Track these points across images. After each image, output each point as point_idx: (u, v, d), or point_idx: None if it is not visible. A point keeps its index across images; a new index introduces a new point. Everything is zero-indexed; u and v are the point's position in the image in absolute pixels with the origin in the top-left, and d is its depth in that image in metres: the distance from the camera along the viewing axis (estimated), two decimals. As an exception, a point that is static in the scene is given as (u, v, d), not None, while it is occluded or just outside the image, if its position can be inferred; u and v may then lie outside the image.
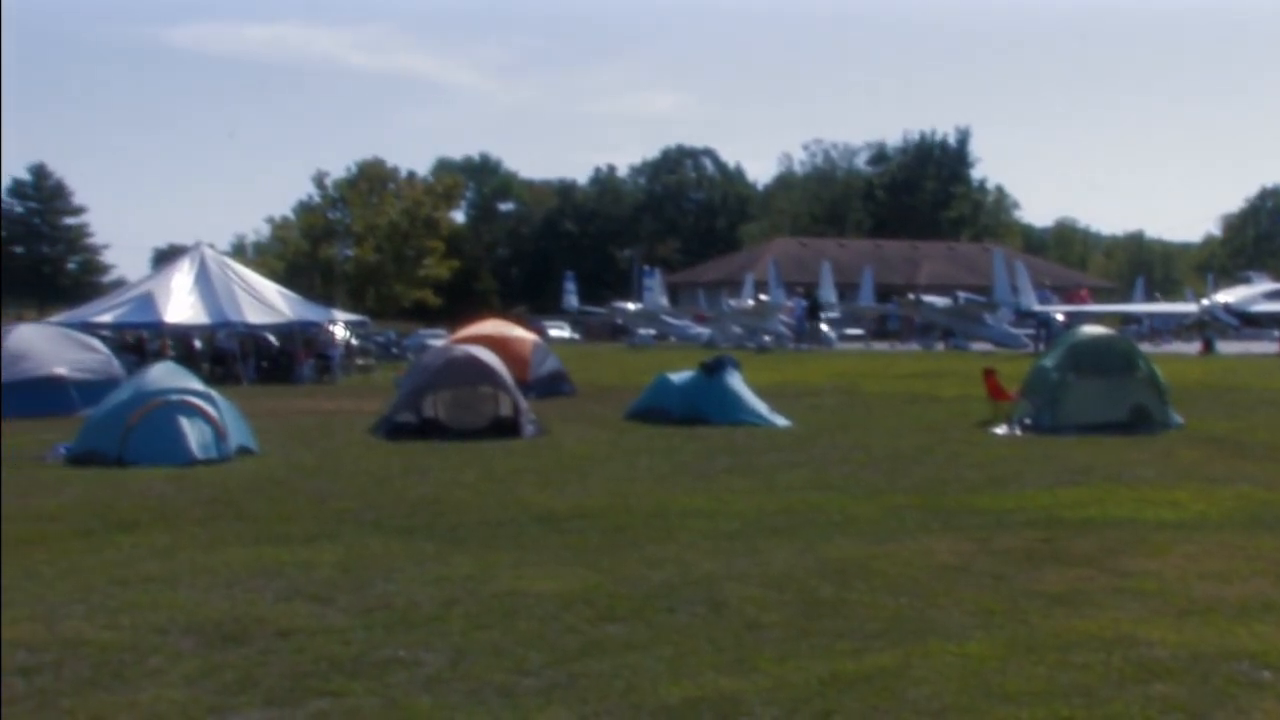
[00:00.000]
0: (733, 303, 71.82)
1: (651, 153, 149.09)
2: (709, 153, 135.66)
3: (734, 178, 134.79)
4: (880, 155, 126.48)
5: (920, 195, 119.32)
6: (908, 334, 73.30)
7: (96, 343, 29.48)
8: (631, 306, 78.31)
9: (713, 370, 22.76)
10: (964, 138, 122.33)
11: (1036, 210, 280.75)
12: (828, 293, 74.41)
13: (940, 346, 64.71)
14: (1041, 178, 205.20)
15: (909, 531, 11.38)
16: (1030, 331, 59.84)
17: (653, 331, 73.93)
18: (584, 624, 8.03)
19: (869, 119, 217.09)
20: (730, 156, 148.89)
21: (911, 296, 70.15)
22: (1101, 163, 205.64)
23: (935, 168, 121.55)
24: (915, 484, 14.60)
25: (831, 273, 76.76)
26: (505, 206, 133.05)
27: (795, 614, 8.27)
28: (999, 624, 8.00)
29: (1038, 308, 61.97)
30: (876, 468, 16.19)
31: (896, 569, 9.63)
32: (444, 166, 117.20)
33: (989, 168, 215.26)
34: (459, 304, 78.04)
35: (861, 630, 7.86)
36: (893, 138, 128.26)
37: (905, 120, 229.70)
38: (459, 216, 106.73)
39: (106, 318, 40.60)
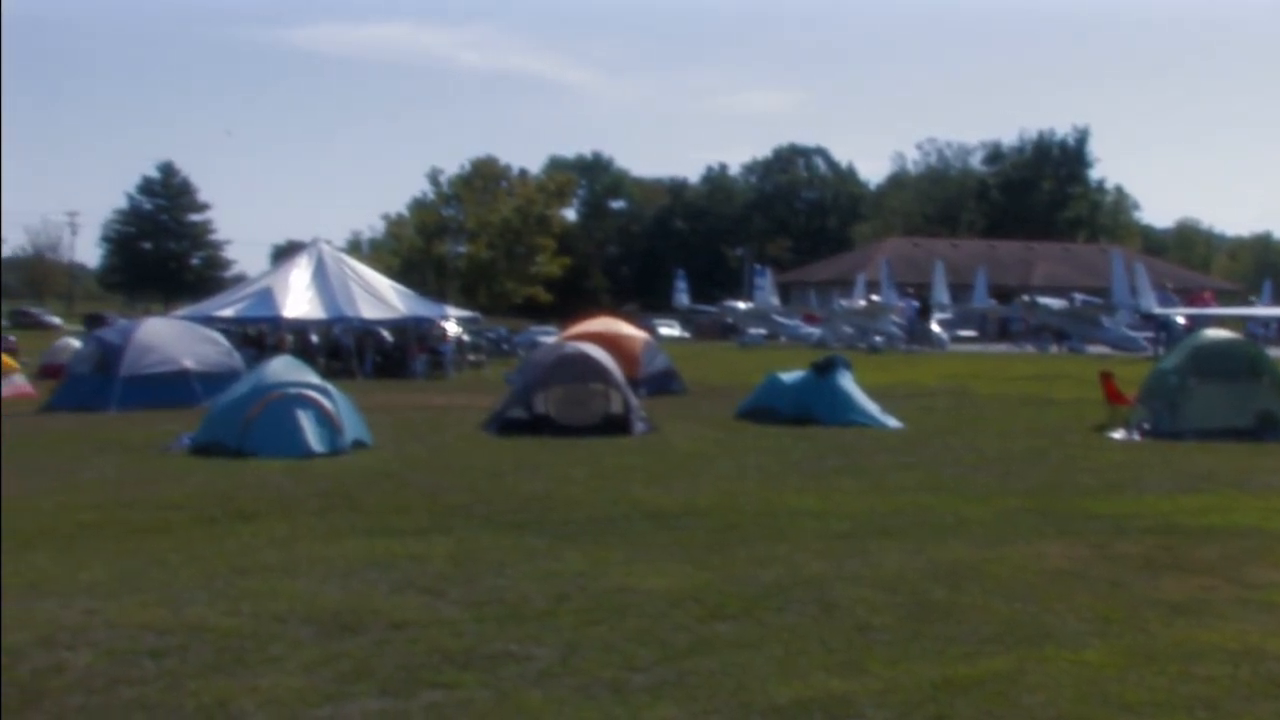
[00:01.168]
0: (844, 302, 71.23)
1: (763, 151, 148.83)
2: (821, 151, 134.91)
3: (846, 176, 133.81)
4: (995, 154, 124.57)
5: (1036, 195, 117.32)
6: (1021, 336, 72.05)
7: (218, 336, 30.20)
8: (742, 305, 78.05)
9: (824, 370, 22.62)
10: (1083, 137, 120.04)
11: (1157, 211, 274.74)
12: (940, 293, 73.43)
13: (1055, 349, 63.54)
14: (1163, 177, 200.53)
15: (1022, 535, 11.19)
16: (1149, 334, 58.46)
17: (763, 330, 73.61)
18: (693, 622, 8.02)
19: (984, 117, 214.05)
20: (842, 155, 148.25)
21: (1026, 298, 68.97)
22: (1226, 162, 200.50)
23: (1052, 167, 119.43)
24: (1029, 487, 14.36)
25: (944, 273, 75.72)
26: (616, 204, 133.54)
27: (906, 616, 8.19)
28: (1117, 632, 7.84)
29: (1157, 310, 60.50)
30: (989, 470, 15.96)
31: (1010, 573, 9.48)
32: (556, 164, 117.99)
33: (1108, 167, 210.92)
34: (570, 301, 78.64)
35: (974, 634, 7.75)
36: (1008, 137, 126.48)
37: (1021, 119, 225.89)
38: (570, 214, 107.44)
39: (228, 312, 41.55)
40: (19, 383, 32.56)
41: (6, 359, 34.28)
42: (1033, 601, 8.58)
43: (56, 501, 13.07)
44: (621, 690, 6.68)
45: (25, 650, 7.16)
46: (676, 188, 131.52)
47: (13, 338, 59.11)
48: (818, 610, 8.34)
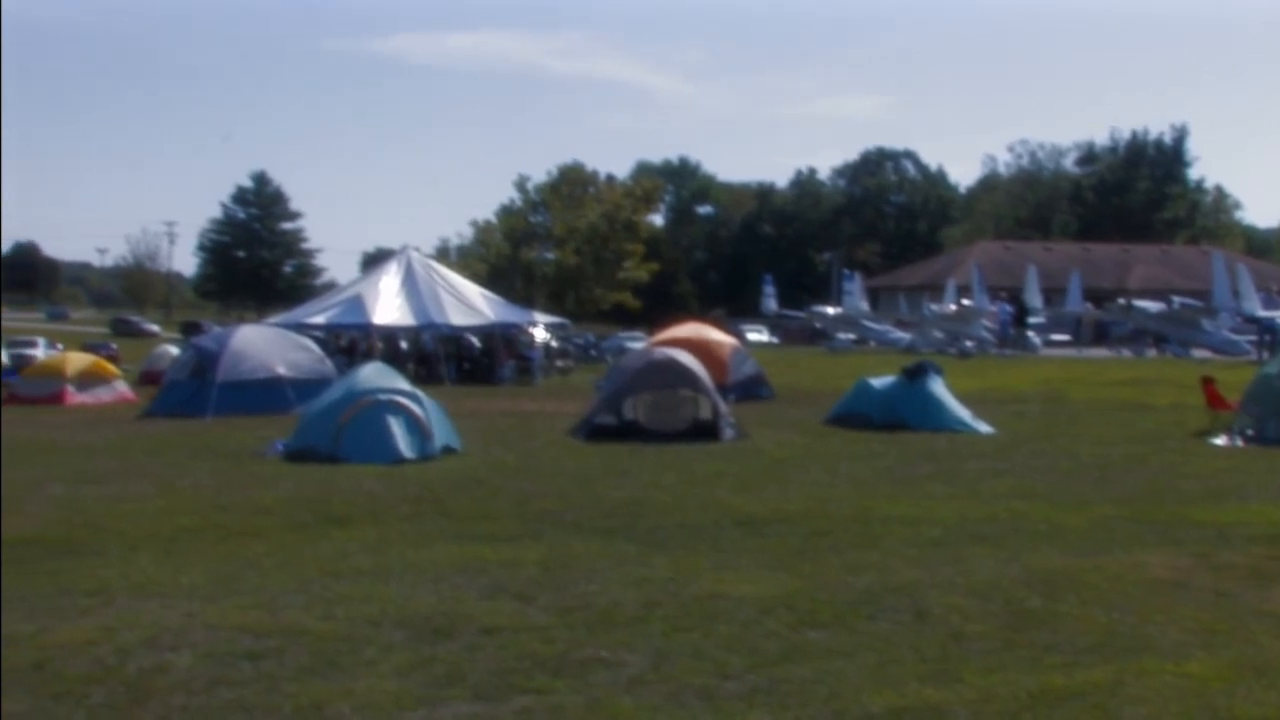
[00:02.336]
0: (934, 307, 70.49)
1: (851, 155, 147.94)
2: (910, 155, 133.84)
3: (935, 180, 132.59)
4: (1089, 155, 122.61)
5: (1132, 196, 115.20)
6: (1118, 340, 70.71)
7: (310, 343, 30.63)
8: (830, 310, 77.62)
9: (914, 375, 22.41)
10: (1180, 135, 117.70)
11: (1261, 211, 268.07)
12: (1033, 297, 72.35)
13: (1152, 353, 62.34)
14: (1266, 177, 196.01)
15: (1120, 544, 10.98)
16: (1252, 338, 57.10)
17: (852, 336, 73.13)
18: (785, 629, 7.97)
19: (1077, 118, 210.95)
20: (931, 158, 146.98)
21: (1122, 301, 67.75)
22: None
23: (1148, 167, 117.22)
24: (1126, 495, 14.09)
25: (1037, 277, 74.61)
26: (704, 210, 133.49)
27: (1001, 625, 8.07)
28: (1223, 644, 7.65)
29: (1262, 313, 59.07)
30: (1084, 477, 15.69)
31: (1108, 582, 9.30)
32: (643, 170, 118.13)
33: (1207, 166, 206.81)
34: (657, 307, 78.61)
35: (1072, 644, 7.61)
36: (1102, 137, 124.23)
37: (1115, 119, 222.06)
38: (658, 220, 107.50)
39: (319, 319, 42.15)
40: (120, 389, 33.33)
41: (109, 365, 35.11)
42: (1132, 612, 8.41)
43: (158, 505, 13.34)
44: (713, 697, 6.65)
45: (132, 650, 7.31)
46: (764, 192, 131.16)
47: (114, 345, 60.55)
48: (910, 618, 8.24)
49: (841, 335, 72.58)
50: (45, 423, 25.17)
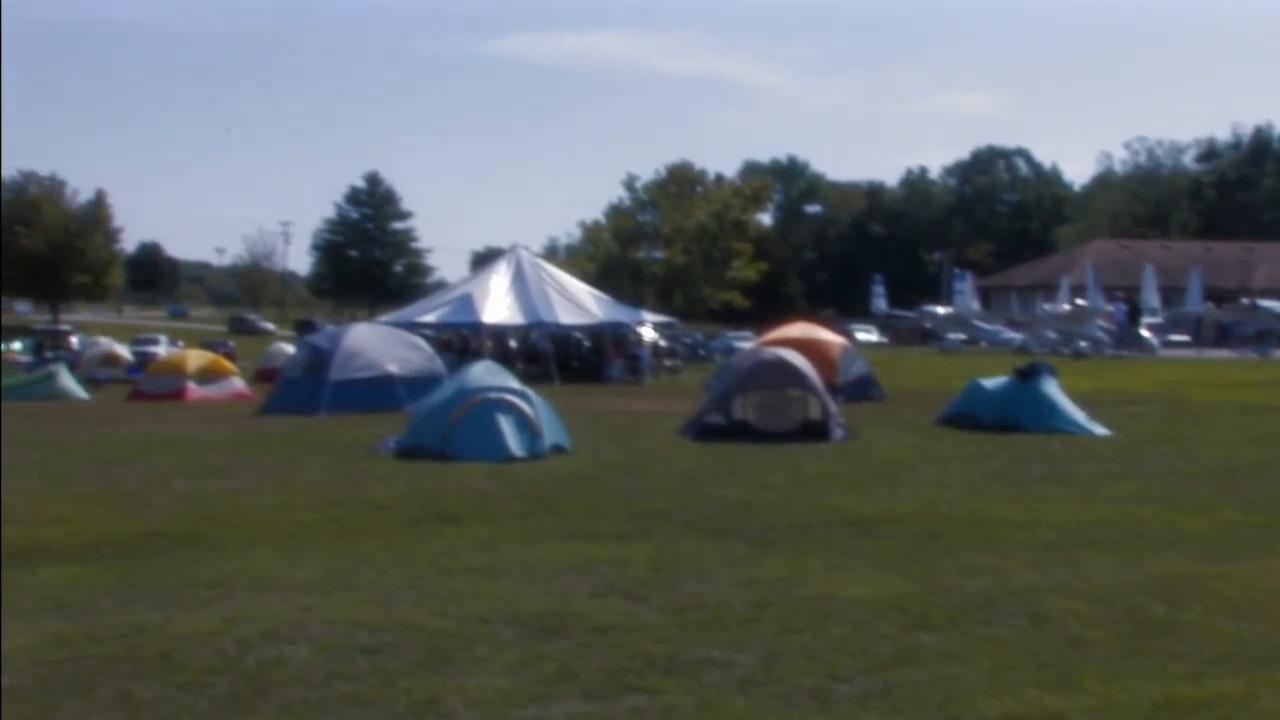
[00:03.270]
0: (1047, 307, 69.23)
1: (962, 153, 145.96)
2: (1022, 153, 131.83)
3: (1049, 178, 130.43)
4: (1210, 152, 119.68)
5: (1255, 193, 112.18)
6: (1241, 341, 68.80)
7: (421, 341, 31.03)
8: (941, 310, 76.74)
9: (1027, 376, 22.02)
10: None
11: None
12: (1150, 297, 70.75)
13: (1279, 354, 60.58)
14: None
15: (1248, 551, 10.66)
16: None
17: (963, 336, 72.19)
18: (897, 631, 7.87)
19: (1196, 114, 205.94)
20: (1045, 156, 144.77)
21: (1246, 301, 65.95)
22: None
23: (1272, 163, 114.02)
24: (1253, 500, 13.67)
25: (1155, 276, 72.95)
26: (812, 209, 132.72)
27: (1122, 632, 7.88)
28: (1359, 656, 7.38)
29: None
30: (1207, 481, 15.27)
31: (1235, 590, 9.03)
32: (751, 169, 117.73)
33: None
34: (766, 307, 78.34)
35: (1198, 654, 7.40)
36: (1223, 133, 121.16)
37: (1238, 113, 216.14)
38: (766, 219, 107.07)
39: (430, 318, 42.66)
40: (238, 385, 34.13)
41: (227, 363, 35.96)
42: (1263, 621, 8.14)
43: (275, 501, 13.60)
44: (825, 700, 6.59)
45: (252, 642, 7.45)
46: (874, 191, 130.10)
47: (231, 343, 61.99)
48: (1027, 623, 8.09)
49: (952, 335, 71.68)
50: (168, 418, 25.84)
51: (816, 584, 9.22)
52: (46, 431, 22.72)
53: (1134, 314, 65.52)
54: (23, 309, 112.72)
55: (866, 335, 77.35)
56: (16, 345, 60.01)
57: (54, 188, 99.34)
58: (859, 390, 30.10)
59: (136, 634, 7.63)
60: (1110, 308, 66.19)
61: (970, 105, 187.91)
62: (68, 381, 34.95)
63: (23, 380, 36.37)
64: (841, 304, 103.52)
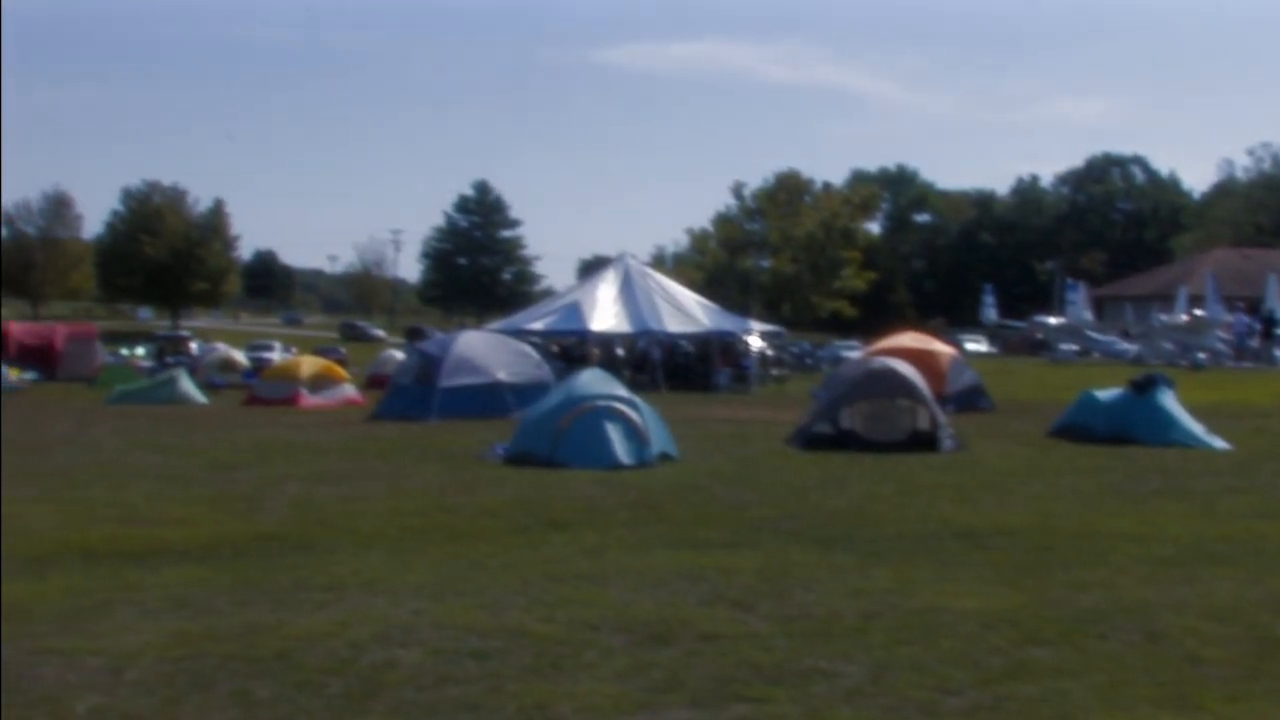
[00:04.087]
0: (1164, 317, 67.68)
1: (1076, 161, 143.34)
2: (1139, 160, 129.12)
3: (1166, 186, 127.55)
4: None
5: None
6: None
7: (529, 349, 31.28)
8: (1053, 320, 75.42)
9: (1143, 388, 21.58)
10: None
11: None
12: (1276, 307, 68.76)
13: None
14: None
15: (1376, 570, 10.32)
16: None
17: (1075, 346, 70.83)
18: (1008, 645, 7.76)
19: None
20: (1162, 164, 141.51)
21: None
22: None
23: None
24: (1381, 517, 13.25)
25: (1278, 286, 70.88)
26: (921, 218, 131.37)
27: (1244, 651, 7.67)
28: None
29: None
30: (1334, 498, 14.82)
31: (1361, 609, 8.75)
32: (859, 177, 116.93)
33: None
34: (874, 316, 77.73)
35: (1325, 676, 7.19)
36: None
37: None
38: (874, 228, 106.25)
39: (537, 325, 43.04)
40: (349, 391, 34.73)
41: (339, 369, 36.61)
42: (1394, 643, 7.89)
43: (386, 505, 13.82)
44: (934, 713, 6.52)
45: (365, 644, 7.57)
46: (984, 200, 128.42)
47: (343, 349, 63.09)
48: (1142, 639, 7.92)
49: (1064, 346, 70.37)
50: (282, 423, 26.38)
51: (926, 596, 9.14)
52: (167, 435, 23.32)
53: (1269, 326, 63.51)
54: (144, 315, 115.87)
55: (975, 345, 76.34)
56: (139, 351, 61.80)
57: (175, 197, 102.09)
58: (968, 401, 29.76)
59: (254, 634, 7.80)
60: (1231, 318, 64.53)
61: (1084, 112, 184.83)
62: (187, 386, 35.88)
63: (145, 385, 37.40)
64: (950, 313, 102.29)
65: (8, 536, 11.72)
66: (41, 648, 7.49)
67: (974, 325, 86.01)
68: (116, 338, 65.18)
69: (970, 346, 70.90)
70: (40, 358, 47.95)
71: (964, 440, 20.55)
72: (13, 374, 42.16)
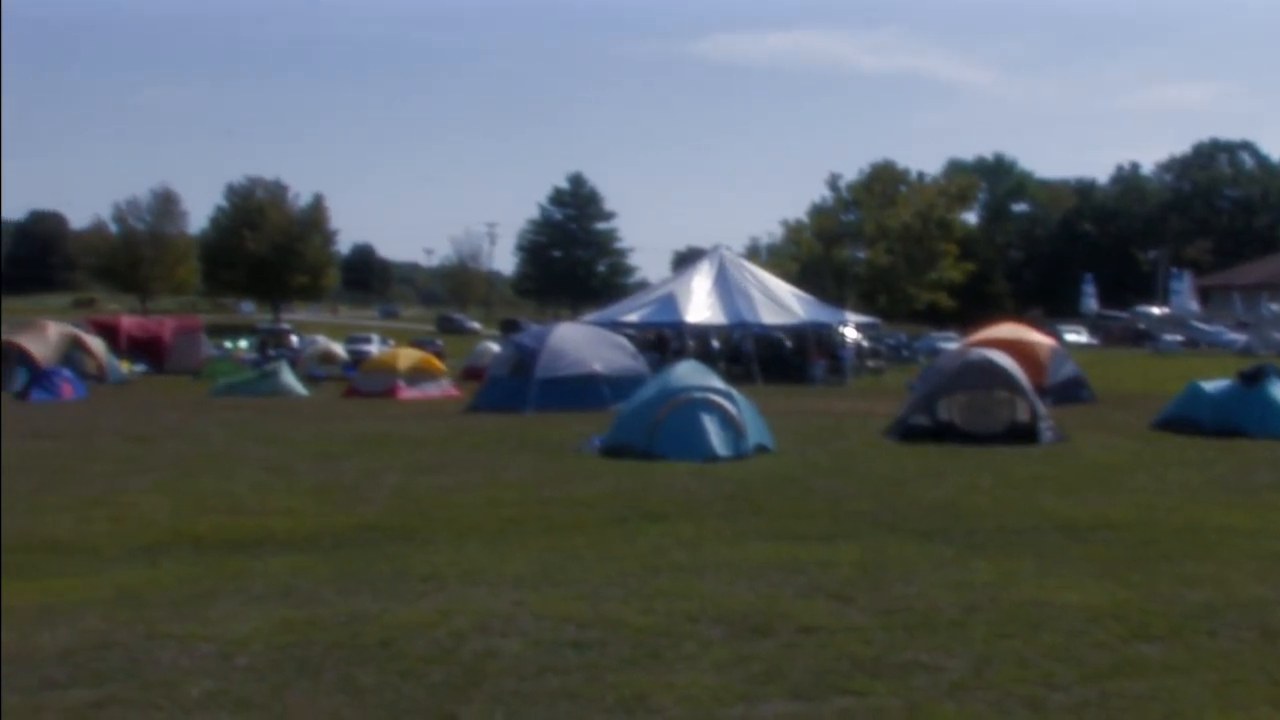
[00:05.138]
0: (1274, 307, 66.16)
1: (1180, 148, 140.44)
2: (1247, 145, 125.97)
3: (1276, 172, 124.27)
4: None
5: None
6: None
7: (625, 341, 31.37)
8: (1156, 311, 74.10)
9: (1252, 380, 21.10)
10: None
11: None
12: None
13: None
14: None
15: None
16: None
17: (1179, 337, 69.52)
18: (1115, 641, 7.63)
19: None
20: (1273, 149, 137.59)
21: None
22: None
23: None
24: None
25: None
26: (1019, 207, 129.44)
27: (1364, 651, 7.46)
28: None
29: None
30: None
31: None
32: (956, 167, 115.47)
33: None
34: (971, 307, 76.80)
35: None
36: None
37: None
38: (971, 218, 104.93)
39: (632, 317, 43.11)
40: (446, 384, 35.11)
41: (436, 361, 37.02)
42: None
43: (484, 497, 13.94)
44: (1039, 708, 6.42)
45: (465, 634, 7.65)
46: (1084, 189, 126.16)
47: (440, 342, 63.75)
48: (1256, 636, 7.74)
49: (1168, 336, 69.09)
50: (381, 415, 26.72)
51: (1028, 589, 9.01)
52: (270, 427, 23.75)
53: None
54: (247, 309, 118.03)
55: (1075, 336, 75.18)
56: (242, 344, 62.99)
57: (277, 192, 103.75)
58: (1068, 392, 29.33)
59: (357, 622, 7.92)
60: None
61: (1188, 98, 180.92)
62: (288, 378, 36.50)
63: (248, 377, 38.13)
64: (1049, 304, 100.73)
65: (127, 524, 12.08)
66: (157, 632, 7.68)
67: (1074, 316, 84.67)
68: (220, 331, 66.36)
69: (1070, 338, 69.82)
70: (149, 351, 49.12)
71: (1064, 432, 20.25)
72: (124, 367, 43.23)
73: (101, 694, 6.51)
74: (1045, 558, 10.34)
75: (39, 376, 34.43)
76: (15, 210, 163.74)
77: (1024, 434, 19.62)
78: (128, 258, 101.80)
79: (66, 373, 35.21)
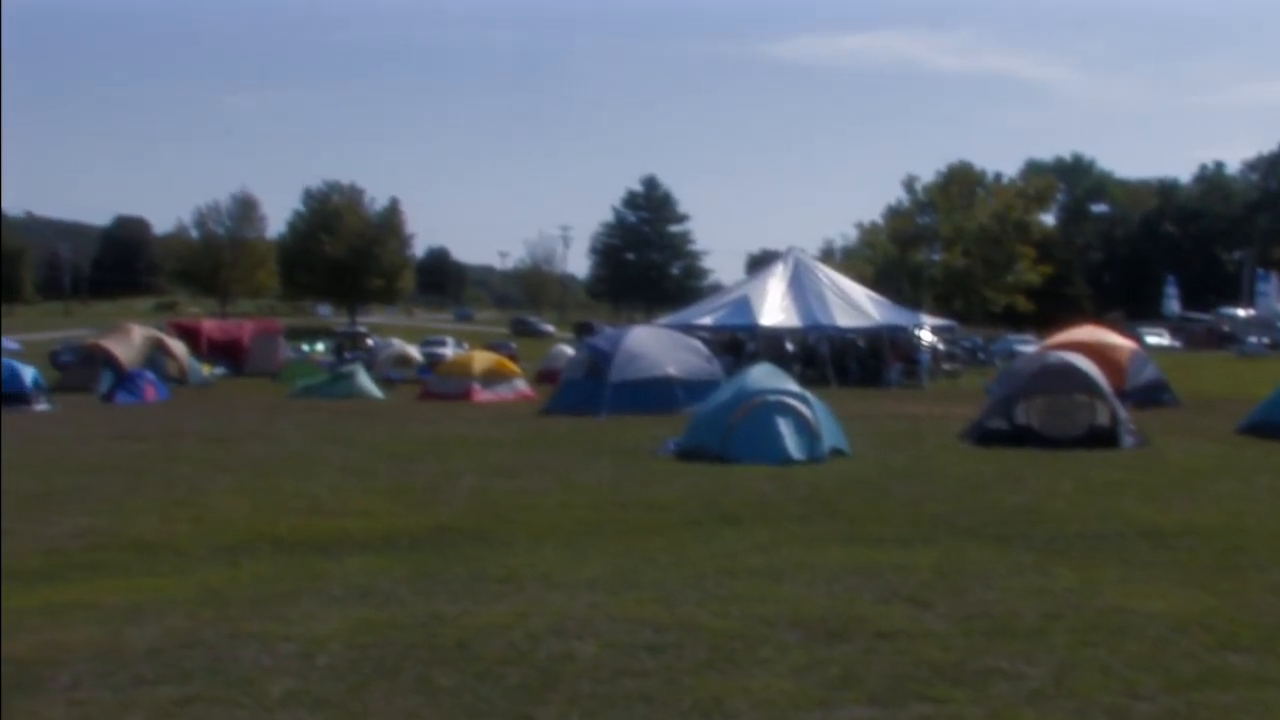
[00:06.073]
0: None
1: (1264, 147, 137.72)
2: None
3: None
4: None
5: None
6: None
7: (699, 344, 31.30)
8: (1241, 312, 72.71)
9: (1342, 383, 20.63)
10: None
11: None
12: None
13: None
14: None
15: None
16: None
17: (1266, 339, 68.18)
18: (1202, 650, 7.48)
19: None
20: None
21: None
22: None
23: None
24: None
25: None
26: (1099, 208, 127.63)
27: None
28: None
29: None
30: None
31: None
32: (1034, 168, 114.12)
33: None
34: (1050, 309, 75.87)
35: None
36: None
37: None
38: (1050, 219, 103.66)
39: (706, 320, 43.03)
40: (520, 386, 35.24)
41: (510, 364, 37.19)
42: None
43: (560, 499, 13.99)
44: (1123, 717, 6.31)
45: (542, 636, 7.67)
46: (1165, 189, 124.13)
47: (514, 344, 64.11)
48: (1349, 647, 7.56)
49: (1254, 339, 67.83)
50: (457, 417, 26.90)
51: (1111, 596, 8.87)
52: (347, 428, 23.99)
53: None
54: (324, 312, 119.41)
55: (1157, 339, 74.04)
56: (319, 346, 63.77)
57: (354, 196, 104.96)
58: (1150, 396, 28.87)
59: (435, 623, 7.97)
60: None
61: (1274, 95, 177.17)
62: (364, 381, 36.86)
63: (325, 379, 38.57)
64: (1130, 306, 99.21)
65: (209, 525, 12.26)
66: (240, 631, 7.78)
67: (1155, 318, 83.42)
68: (297, 334, 67.28)
69: (1151, 340, 68.75)
70: (229, 353, 49.85)
71: (1146, 437, 19.94)
72: (204, 369, 43.92)
73: (187, 691, 6.60)
74: (1129, 564, 10.17)
75: (123, 379, 35.14)
76: (101, 216, 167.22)
77: (1104, 438, 19.33)
78: (208, 262, 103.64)
79: (150, 375, 35.86)
